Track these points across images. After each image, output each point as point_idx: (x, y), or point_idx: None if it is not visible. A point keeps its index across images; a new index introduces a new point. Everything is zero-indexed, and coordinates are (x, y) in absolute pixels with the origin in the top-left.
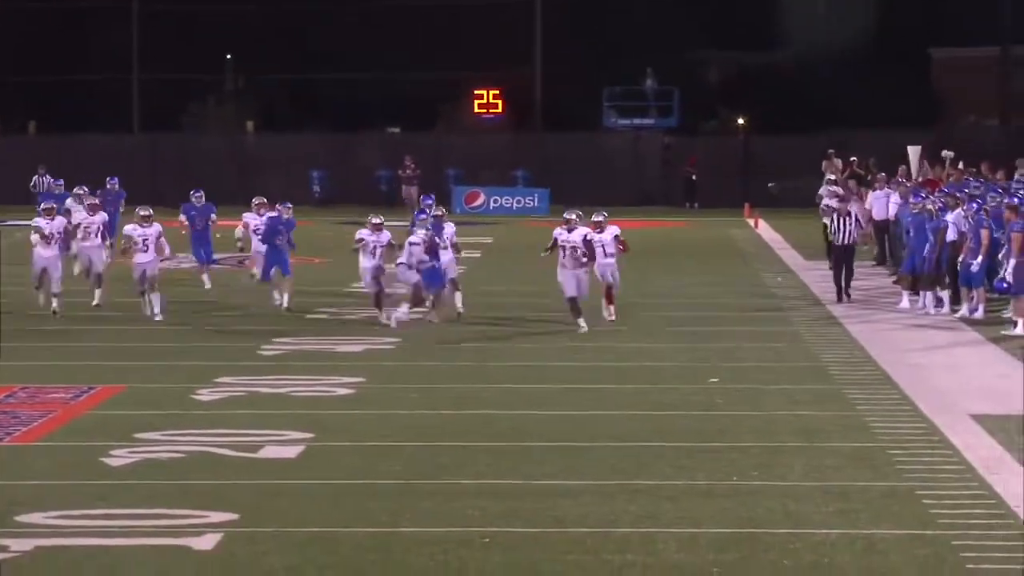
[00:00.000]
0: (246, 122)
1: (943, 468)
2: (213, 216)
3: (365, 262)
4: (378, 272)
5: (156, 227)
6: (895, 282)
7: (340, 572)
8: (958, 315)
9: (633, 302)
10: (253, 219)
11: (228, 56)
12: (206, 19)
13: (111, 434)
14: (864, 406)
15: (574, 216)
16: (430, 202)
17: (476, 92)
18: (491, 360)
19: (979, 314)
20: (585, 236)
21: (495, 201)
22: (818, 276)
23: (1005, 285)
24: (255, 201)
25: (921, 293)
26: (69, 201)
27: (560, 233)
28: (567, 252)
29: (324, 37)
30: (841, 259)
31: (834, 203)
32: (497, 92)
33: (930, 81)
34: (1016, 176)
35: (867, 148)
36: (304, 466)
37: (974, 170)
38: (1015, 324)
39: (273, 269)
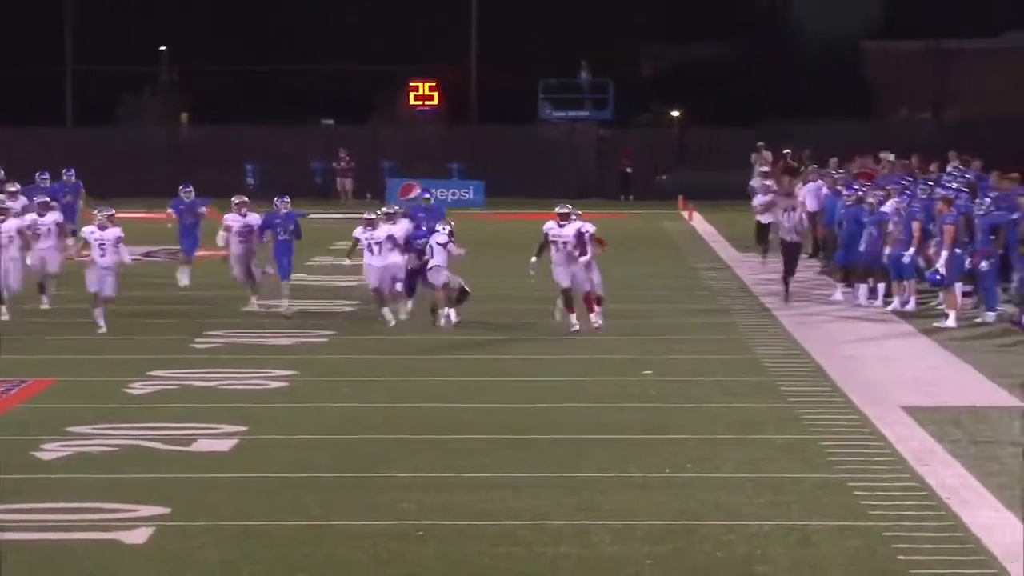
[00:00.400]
0: (180, 114)
1: (875, 460)
2: (203, 210)
3: (370, 260)
4: (388, 272)
5: (115, 231)
6: (822, 272)
7: (274, 566)
8: (890, 307)
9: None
10: (235, 220)
11: (163, 48)
12: (140, 10)
13: (43, 428)
14: (797, 398)
15: (568, 209)
16: (428, 195)
17: (411, 84)
18: (424, 353)
19: (911, 306)
20: (579, 230)
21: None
22: (751, 268)
23: (938, 277)
24: (235, 200)
25: (855, 285)
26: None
27: (551, 228)
28: (560, 249)
29: (259, 29)
30: (791, 257)
31: (768, 199)
32: (432, 84)
33: (863, 74)
34: (949, 168)
35: (801, 140)
36: (237, 460)
37: (906, 162)
38: (947, 316)
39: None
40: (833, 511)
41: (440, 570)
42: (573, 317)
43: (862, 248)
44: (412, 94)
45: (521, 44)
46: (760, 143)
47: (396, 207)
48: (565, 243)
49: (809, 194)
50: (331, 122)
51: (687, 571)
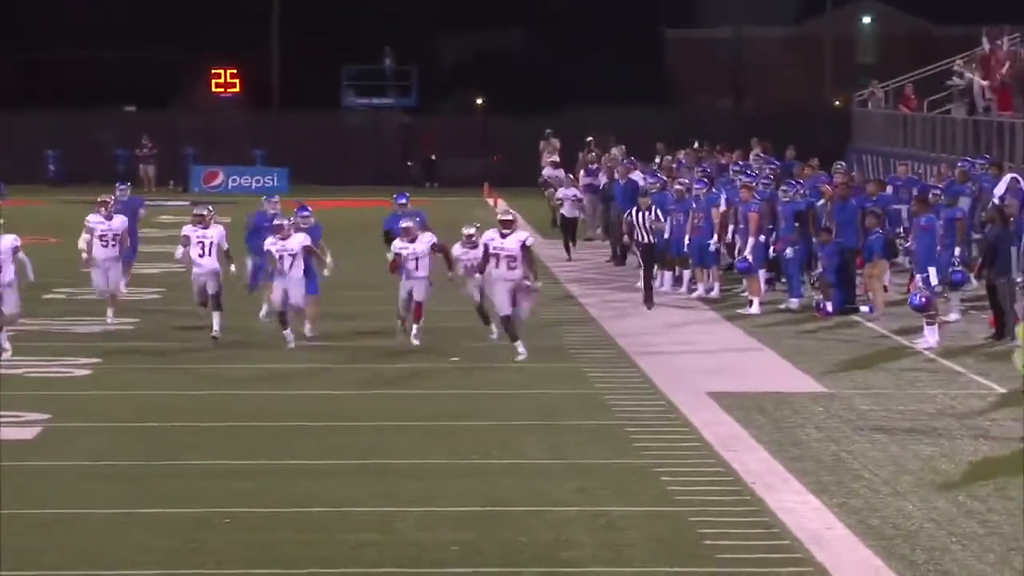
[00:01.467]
0: None
1: (681, 446)
2: (141, 211)
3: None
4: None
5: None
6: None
7: (79, 554)
8: (695, 294)
9: (372, 282)
10: (193, 232)
11: None
12: None
13: None
14: (603, 384)
15: (511, 216)
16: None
17: (213, 71)
18: (231, 339)
19: (715, 293)
20: (524, 242)
21: (234, 180)
22: (555, 255)
23: (745, 264)
24: (195, 212)
25: (660, 272)
26: None
27: (492, 240)
28: (501, 262)
29: (57, 14)
30: (649, 258)
31: (571, 192)
32: (234, 71)
33: (664, 62)
34: (751, 156)
35: (601, 128)
36: (41, 447)
37: (707, 151)
38: (751, 303)
39: (260, 275)
40: (639, 497)
41: (246, 557)
42: (520, 345)
43: (667, 235)
44: (214, 81)
45: (323, 30)
46: (548, 131)
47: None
48: (510, 256)
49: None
50: (133, 108)
51: (492, 557)
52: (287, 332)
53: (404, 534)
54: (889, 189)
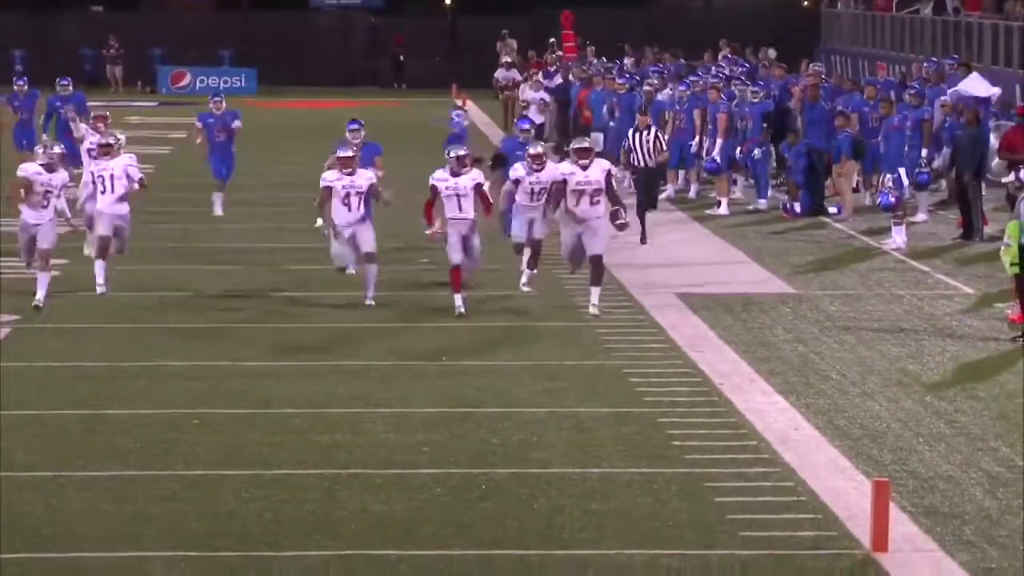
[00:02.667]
0: None
1: (650, 347)
2: (236, 124)
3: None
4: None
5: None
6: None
7: (49, 454)
8: (664, 195)
9: None
10: (36, 174)
11: None
12: None
13: None
14: (572, 286)
15: (587, 143)
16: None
17: None
18: (195, 241)
19: (692, 194)
20: (609, 171)
21: (201, 81)
22: None
23: (713, 165)
24: (40, 149)
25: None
26: None
27: (572, 174)
28: (583, 198)
29: None
30: (646, 185)
31: (539, 96)
32: None
33: None
34: (720, 57)
35: (574, 29)
36: (9, 349)
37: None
38: (719, 204)
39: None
40: (608, 398)
41: (216, 458)
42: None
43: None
44: None
45: None
46: (504, 31)
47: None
48: (596, 191)
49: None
50: (100, 8)
51: (463, 458)
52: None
53: (375, 435)
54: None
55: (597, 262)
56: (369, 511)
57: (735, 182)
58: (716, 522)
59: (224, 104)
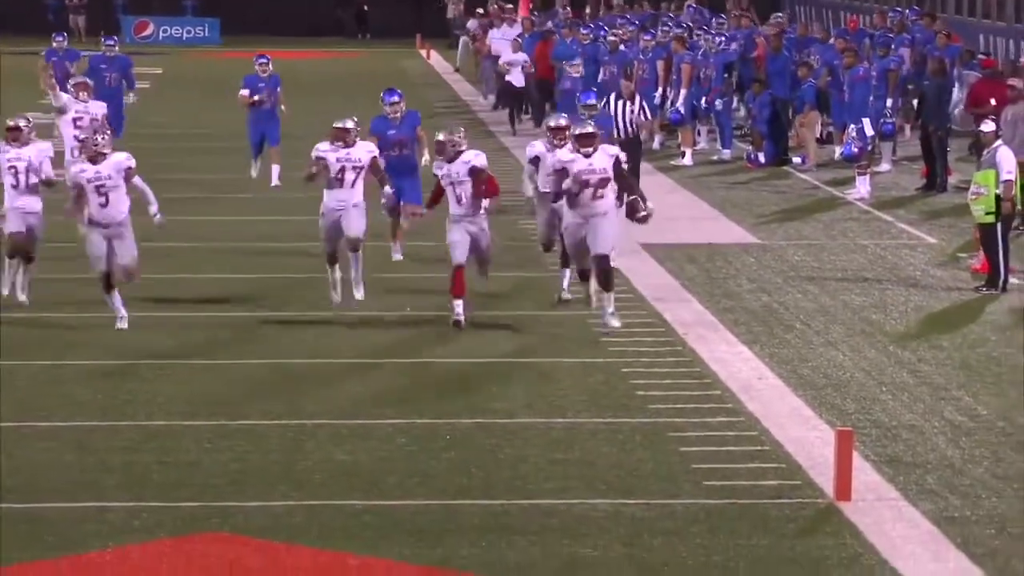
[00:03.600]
0: None
1: (614, 297)
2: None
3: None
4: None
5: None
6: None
7: (12, 405)
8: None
9: (304, 133)
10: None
11: None
12: None
13: None
14: (536, 237)
15: (590, 128)
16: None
17: None
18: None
19: (656, 145)
20: (617, 157)
21: (164, 31)
22: (486, 104)
23: (677, 116)
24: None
25: None
26: None
27: (572, 161)
28: (586, 190)
29: None
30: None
31: (518, 58)
32: None
33: None
34: (684, 8)
35: None
36: None
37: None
38: (683, 155)
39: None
40: (572, 348)
41: (179, 409)
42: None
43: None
44: None
45: None
46: None
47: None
48: (602, 180)
49: (496, 43)
50: None
51: (427, 408)
52: (335, 277)
53: (341, 387)
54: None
55: (604, 263)
56: (334, 461)
57: (699, 133)
58: (680, 471)
59: (271, 67)
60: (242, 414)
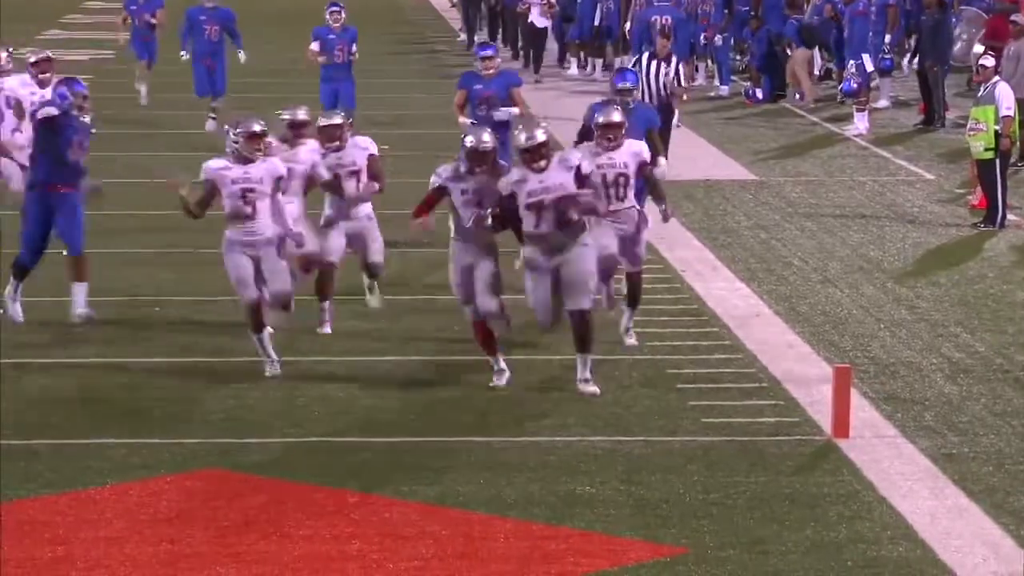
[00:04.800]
0: None
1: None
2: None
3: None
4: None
5: None
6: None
7: (6, 342)
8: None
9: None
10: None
11: None
12: None
13: None
14: None
15: (618, 116)
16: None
17: None
18: (164, 127)
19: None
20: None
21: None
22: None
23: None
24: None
25: (590, 59)
26: None
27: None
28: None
29: None
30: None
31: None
32: None
33: None
34: None
35: None
36: None
37: None
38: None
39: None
40: None
41: (178, 346)
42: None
43: (596, 23)
44: None
45: None
46: None
47: None
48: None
49: None
50: None
51: (425, 345)
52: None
53: (337, 323)
54: None
55: (581, 319)
56: (331, 399)
57: (697, 69)
58: (678, 409)
59: (344, 16)
60: (240, 351)
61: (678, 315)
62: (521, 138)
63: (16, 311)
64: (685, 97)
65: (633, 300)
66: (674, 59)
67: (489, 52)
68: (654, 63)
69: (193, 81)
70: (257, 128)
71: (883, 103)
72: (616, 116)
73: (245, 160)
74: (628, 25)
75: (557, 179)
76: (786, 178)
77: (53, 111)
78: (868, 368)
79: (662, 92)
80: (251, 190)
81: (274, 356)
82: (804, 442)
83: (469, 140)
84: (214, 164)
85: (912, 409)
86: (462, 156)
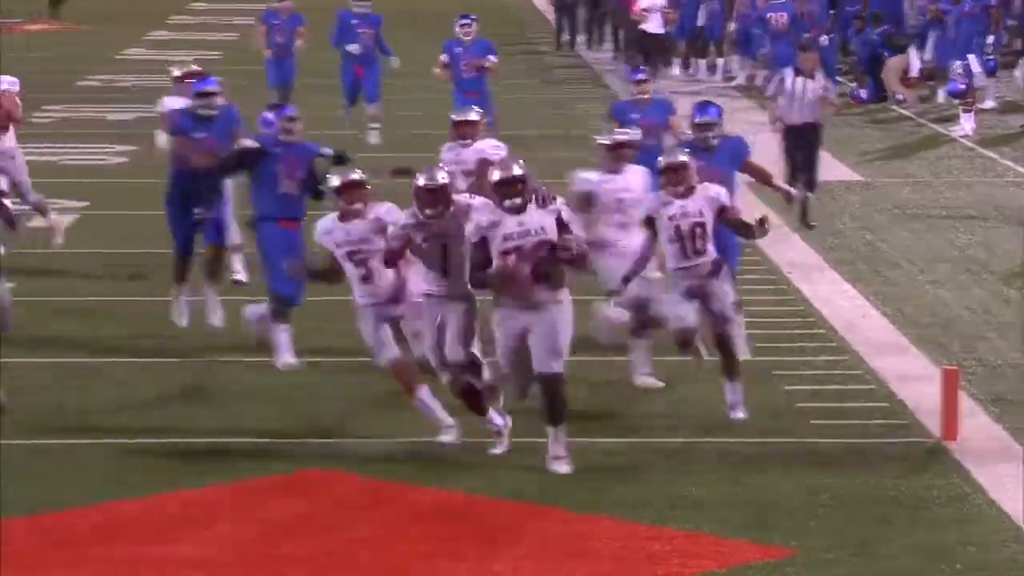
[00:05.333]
0: None
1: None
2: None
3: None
4: None
5: None
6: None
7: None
8: (733, 83)
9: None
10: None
11: None
12: None
13: None
14: None
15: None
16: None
17: None
18: None
19: (759, 80)
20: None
21: None
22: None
23: None
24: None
25: (693, 60)
26: None
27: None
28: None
29: None
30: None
31: None
32: None
33: None
34: None
35: None
36: (80, 234)
37: None
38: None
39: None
40: None
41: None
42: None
43: (700, 23)
44: None
45: None
46: None
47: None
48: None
49: None
50: None
51: None
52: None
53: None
54: None
55: (552, 384)
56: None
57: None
58: (786, 410)
59: (474, 29)
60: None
61: (784, 316)
62: (494, 172)
63: (286, 358)
64: (830, 110)
65: (730, 370)
66: (820, 73)
67: (642, 76)
68: (801, 79)
69: (343, 86)
70: (355, 177)
71: (989, 103)
72: (679, 157)
73: (346, 216)
74: (732, 25)
75: (538, 222)
76: (892, 179)
77: (252, 143)
78: (976, 370)
79: (806, 110)
80: (356, 251)
81: (450, 420)
82: (912, 444)
83: (420, 178)
84: (320, 227)
85: (1021, 411)
86: (413, 197)
